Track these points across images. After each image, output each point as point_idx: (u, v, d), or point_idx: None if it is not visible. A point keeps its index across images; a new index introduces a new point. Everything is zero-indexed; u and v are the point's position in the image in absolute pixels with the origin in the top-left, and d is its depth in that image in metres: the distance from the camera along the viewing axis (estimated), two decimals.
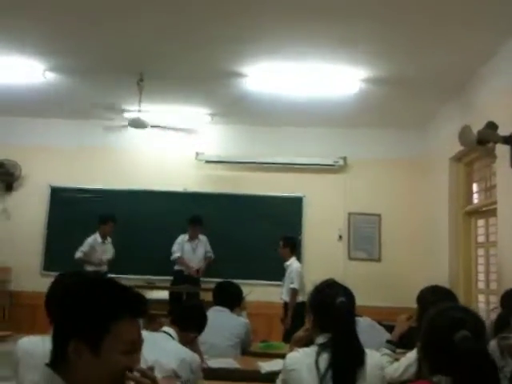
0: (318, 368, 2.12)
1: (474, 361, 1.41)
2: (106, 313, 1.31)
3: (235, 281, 4.33)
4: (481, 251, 5.97)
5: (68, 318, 1.34)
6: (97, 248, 7.04)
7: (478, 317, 1.64)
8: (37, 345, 2.25)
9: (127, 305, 1.35)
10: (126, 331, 1.32)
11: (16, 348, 2.27)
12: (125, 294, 1.38)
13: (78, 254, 6.91)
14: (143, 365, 2.90)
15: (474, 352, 1.43)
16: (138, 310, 1.38)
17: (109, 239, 7.21)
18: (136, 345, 1.35)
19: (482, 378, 1.40)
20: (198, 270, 7.25)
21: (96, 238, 7.08)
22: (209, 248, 7.43)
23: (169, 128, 7.62)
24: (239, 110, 7.17)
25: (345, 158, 7.78)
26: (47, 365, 1.36)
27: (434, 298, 2.88)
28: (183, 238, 7.37)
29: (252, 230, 7.65)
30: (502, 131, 4.58)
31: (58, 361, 1.34)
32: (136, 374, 1.37)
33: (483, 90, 5.38)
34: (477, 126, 4.71)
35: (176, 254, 7.29)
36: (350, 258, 7.66)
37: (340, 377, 2.10)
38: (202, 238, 7.41)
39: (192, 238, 7.35)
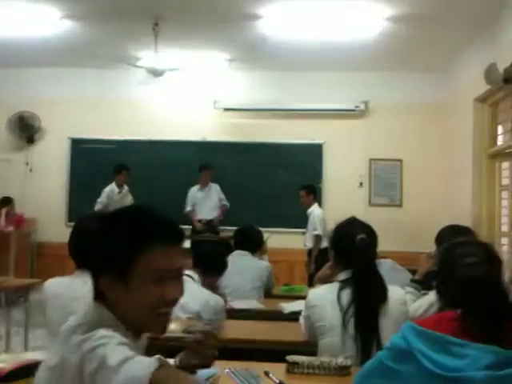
0: (340, 303, 2.14)
1: (479, 287, 1.41)
2: (129, 242, 1.22)
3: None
4: (505, 194, 5.88)
5: (93, 253, 1.28)
6: (114, 197, 7.13)
7: (490, 249, 1.59)
8: (64, 285, 2.30)
9: (154, 231, 1.24)
10: (156, 259, 1.22)
11: (43, 289, 2.31)
12: (151, 220, 1.26)
13: (98, 206, 7.01)
14: None
15: (478, 278, 1.43)
16: (168, 235, 1.26)
17: (125, 187, 7.28)
18: (170, 273, 1.24)
19: (489, 304, 1.40)
20: (207, 222, 7.24)
21: (113, 188, 7.18)
22: (223, 196, 7.38)
23: (185, 76, 7.51)
24: (257, 55, 7.01)
25: (366, 103, 7.62)
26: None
27: (453, 237, 2.83)
28: (194, 189, 7.35)
29: (272, 178, 7.63)
30: None
31: (98, 298, 1.27)
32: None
33: (509, 26, 5.15)
34: (503, 64, 4.56)
35: (187, 208, 7.29)
36: (371, 205, 7.63)
37: (362, 312, 2.12)
38: (214, 185, 7.36)
39: (203, 185, 7.32)
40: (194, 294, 2.86)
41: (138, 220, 1.26)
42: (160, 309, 1.23)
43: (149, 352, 1.30)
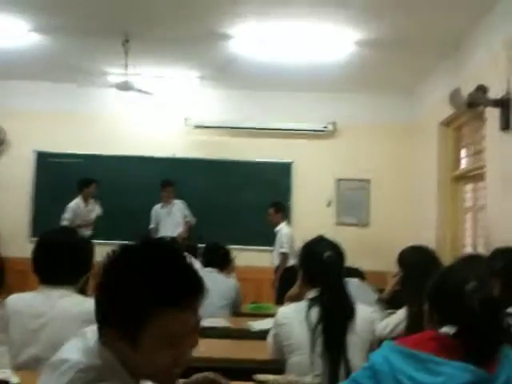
0: (308, 322, 2.14)
1: (484, 307, 1.42)
2: (142, 305, 1.07)
3: None
4: (468, 216, 6.01)
5: (98, 303, 1.14)
6: (81, 213, 7.00)
7: (483, 271, 1.63)
8: (26, 302, 2.23)
9: (172, 293, 1.08)
10: (172, 324, 1.08)
11: (5, 306, 2.23)
12: (169, 278, 1.08)
13: (64, 223, 6.80)
14: None
15: (484, 299, 1.44)
16: (186, 296, 1.10)
17: (92, 201, 7.15)
18: (182, 337, 1.10)
19: (489, 322, 1.41)
20: (171, 240, 7.15)
21: (78, 202, 7.02)
22: (188, 212, 7.33)
23: (156, 92, 7.49)
24: (228, 73, 7.05)
25: (334, 124, 7.72)
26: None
27: (417, 259, 2.88)
28: (157, 206, 7.29)
29: (241, 195, 7.62)
30: (493, 94, 4.56)
31: (103, 337, 1.14)
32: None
33: (473, 52, 5.33)
34: (467, 90, 4.69)
35: (150, 226, 7.24)
36: (339, 224, 7.69)
37: (330, 330, 2.12)
38: (178, 202, 7.30)
39: (165, 202, 7.26)
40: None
41: (155, 278, 1.08)
42: (171, 369, 1.13)
43: None
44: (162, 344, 1.08)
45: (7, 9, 5.32)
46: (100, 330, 1.14)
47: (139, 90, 6.57)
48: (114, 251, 1.14)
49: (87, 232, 6.93)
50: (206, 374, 1.47)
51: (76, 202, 7.02)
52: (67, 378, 1.09)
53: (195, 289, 1.12)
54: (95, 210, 7.16)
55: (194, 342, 1.14)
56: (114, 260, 1.13)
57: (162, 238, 1.21)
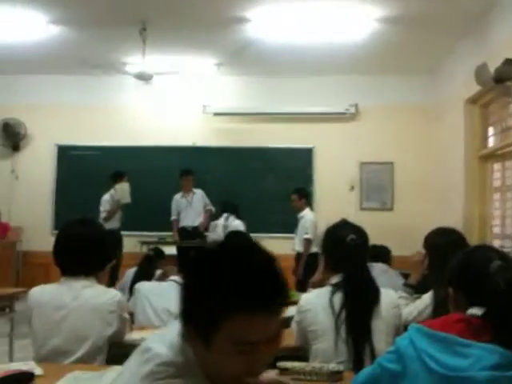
0: (332, 307, 2.09)
1: (511, 286, 1.37)
2: (215, 305, 1.02)
3: None
4: (496, 196, 5.86)
5: (181, 299, 1.11)
6: (113, 204, 6.96)
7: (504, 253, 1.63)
8: (48, 293, 2.22)
9: (244, 297, 1.02)
10: (240, 330, 1.01)
11: (28, 298, 2.24)
12: (240, 280, 1.02)
13: (103, 215, 6.83)
14: (153, 314, 2.92)
15: (510, 278, 1.39)
16: (264, 300, 1.02)
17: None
18: (256, 344, 1.03)
19: None
20: (193, 229, 7.14)
21: (112, 194, 6.98)
22: (207, 201, 7.30)
23: (175, 80, 7.46)
24: (246, 59, 6.97)
25: (356, 106, 7.59)
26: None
27: (444, 241, 2.78)
28: (177, 196, 7.26)
29: (262, 183, 7.58)
30: None
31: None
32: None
33: (499, 25, 5.14)
34: (494, 64, 4.53)
35: (172, 217, 7.24)
36: (362, 209, 7.59)
37: (354, 315, 2.07)
38: (198, 191, 7.27)
39: (185, 192, 7.23)
40: (177, 299, 2.82)
41: (228, 281, 1.03)
42: (242, 377, 1.06)
43: None
44: (233, 349, 1.02)
45: (26, 1, 5.33)
46: (182, 325, 1.11)
47: (163, 73, 6.51)
48: (197, 250, 1.14)
49: (116, 224, 6.94)
50: (272, 375, 1.39)
51: (110, 195, 7.00)
52: (148, 368, 1.08)
53: (271, 294, 1.04)
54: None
55: (271, 349, 1.06)
56: (195, 259, 1.12)
57: (245, 240, 1.14)
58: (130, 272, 4.45)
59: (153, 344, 1.13)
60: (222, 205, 6.74)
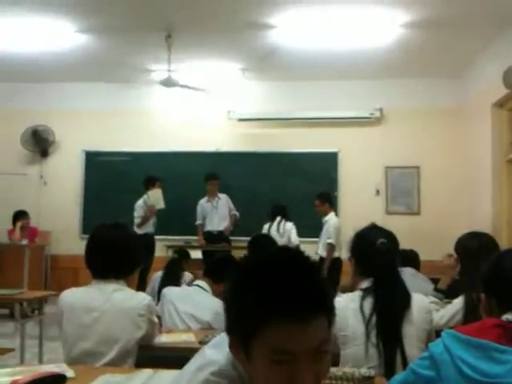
0: (362, 312, 2.06)
1: None
2: (252, 312, 1.00)
3: None
4: None
5: (224, 308, 1.09)
6: (147, 209, 6.96)
7: None
8: (78, 296, 2.24)
9: (280, 304, 0.98)
10: (277, 336, 0.98)
11: (59, 301, 2.26)
12: (283, 287, 0.99)
13: (137, 220, 6.85)
14: (178, 318, 2.93)
15: None
16: (294, 310, 0.98)
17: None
18: (296, 355, 0.98)
19: None
20: (218, 233, 7.15)
21: (145, 199, 6.99)
22: (232, 205, 7.31)
23: (199, 87, 7.50)
24: (270, 64, 6.98)
25: (381, 110, 7.54)
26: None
27: (475, 245, 2.73)
28: (203, 201, 7.27)
29: (287, 188, 7.55)
30: None
31: None
32: None
33: None
34: None
35: (197, 222, 7.26)
36: (388, 213, 7.51)
37: (385, 320, 2.04)
38: (223, 196, 7.28)
39: (211, 196, 7.24)
40: (204, 304, 2.85)
41: (264, 287, 1.00)
42: None
43: None
44: (271, 359, 0.99)
45: (54, 11, 5.44)
46: (228, 337, 1.09)
47: (186, 86, 6.56)
48: (242, 259, 1.14)
49: (150, 229, 6.96)
50: None
51: (143, 199, 7.02)
52: (202, 376, 1.09)
53: (305, 301, 0.99)
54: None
55: (316, 368, 1.00)
56: (239, 269, 1.10)
57: (292, 250, 1.11)
58: (157, 276, 4.49)
59: (210, 350, 1.15)
60: (272, 208, 6.72)
